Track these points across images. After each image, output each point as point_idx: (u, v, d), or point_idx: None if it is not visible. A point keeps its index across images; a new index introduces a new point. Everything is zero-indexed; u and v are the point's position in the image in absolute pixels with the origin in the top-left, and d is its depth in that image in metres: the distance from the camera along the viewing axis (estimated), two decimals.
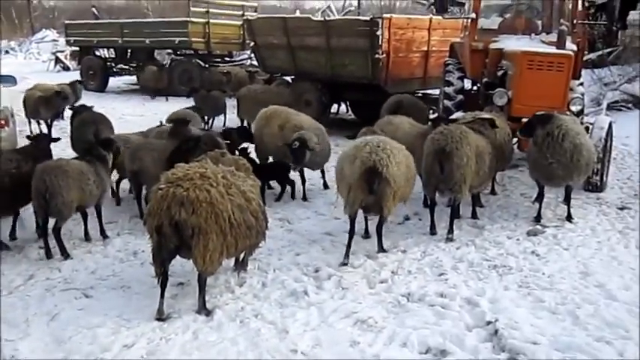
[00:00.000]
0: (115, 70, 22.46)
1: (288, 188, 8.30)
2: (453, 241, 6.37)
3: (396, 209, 6.37)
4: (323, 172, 8.59)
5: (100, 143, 6.61)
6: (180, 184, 4.34)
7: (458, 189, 6.34)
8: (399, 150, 6.14)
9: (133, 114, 16.22)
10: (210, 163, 4.84)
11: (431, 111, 12.72)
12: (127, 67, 22.39)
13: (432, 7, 16.47)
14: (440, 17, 11.78)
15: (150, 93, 19.22)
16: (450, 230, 6.52)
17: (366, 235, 6.55)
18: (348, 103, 15.55)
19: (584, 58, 10.86)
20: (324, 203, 8.04)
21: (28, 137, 7.00)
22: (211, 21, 19.98)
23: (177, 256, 4.61)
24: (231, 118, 14.35)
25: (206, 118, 13.25)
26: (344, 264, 5.84)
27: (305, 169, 8.18)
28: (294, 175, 8.13)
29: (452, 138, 6.27)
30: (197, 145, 6.59)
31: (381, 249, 6.14)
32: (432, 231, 6.63)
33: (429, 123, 7.77)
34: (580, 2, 9.12)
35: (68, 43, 23.98)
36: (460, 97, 10.08)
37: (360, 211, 6.07)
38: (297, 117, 8.46)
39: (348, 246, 6.03)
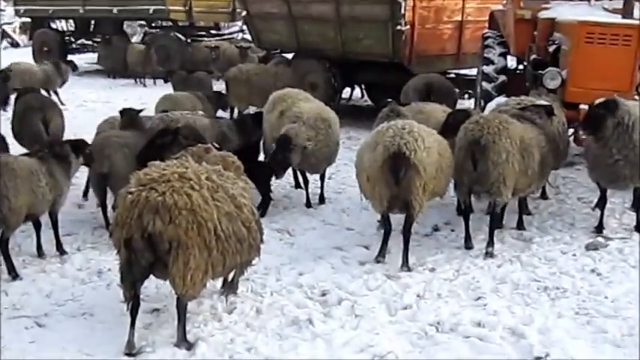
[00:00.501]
0: (74, 46, 22.26)
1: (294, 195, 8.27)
2: (494, 257, 6.30)
3: (426, 207, 6.29)
4: (322, 177, 8.26)
5: (71, 144, 6.51)
6: (155, 187, 4.33)
7: (496, 191, 6.29)
8: (429, 134, 6.25)
9: (97, 100, 16.07)
10: (192, 161, 4.83)
11: (466, 95, 12.65)
12: (89, 42, 22.10)
13: None
14: None
15: (119, 74, 18.99)
16: (490, 243, 6.46)
17: (384, 247, 6.35)
18: (363, 87, 15.30)
19: None
20: (332, 210, 8.01)
21: None
22: None
23: (152, 276, 4.57)
24: None
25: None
26: (378, 261, 6.21)
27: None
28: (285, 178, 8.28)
29: (488, 128, 6.22)
30: (175, 138, 6.50)
31: (405, 266, 6.11)
32: (468, 244, 6.61)
33: (445, 118, 7.45)
34: None
35: (17, 13, 23.77)
36: (502, 78, 9.96)
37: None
38: (304, 103, 8.30)
39: (384, 242, 6.32)
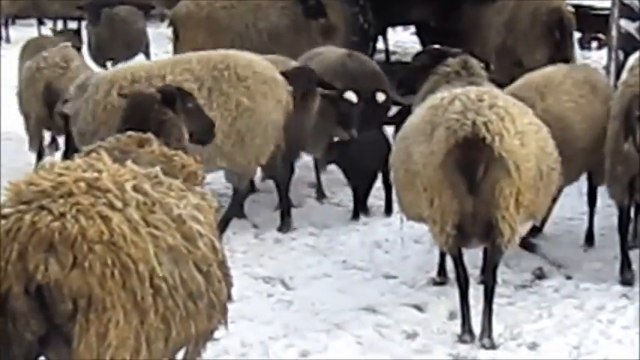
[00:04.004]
0: None
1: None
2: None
3: (518, 234, 6.13)
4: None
5: None
6: (47, 206, 4.09)
7: None
8: (522, 111, 6.12)
9: None
10: (108, 160, 4.59)
11: (594, 44, 12.30)
12: None
13: None
14: None
15: None
16: None
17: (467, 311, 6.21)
18: (414, 30, 15.39)
19: None
20: (359, 244, 7.89)
21: None
22: None
23: None
24: None
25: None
26: (463, 338, 6.14)
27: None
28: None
29: None
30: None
31: (487, 338, 6.04)
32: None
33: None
34: None
35: None
36: None
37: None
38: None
39: (464, 302, 6.20)
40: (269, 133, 8.18)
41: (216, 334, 4.98)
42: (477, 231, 5.93)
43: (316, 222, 8.46)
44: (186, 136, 6.32)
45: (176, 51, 12.71)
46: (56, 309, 4.08)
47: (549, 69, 8.14)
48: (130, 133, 5.56)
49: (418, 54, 8.18)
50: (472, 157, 5.61)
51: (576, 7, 12.85)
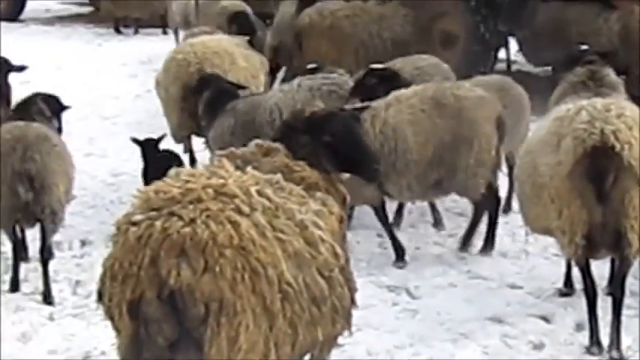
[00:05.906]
0: None
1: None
2: None
3: None
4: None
5: None
6: (177, 212, 4.15)
7: None
8: None
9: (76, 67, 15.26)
10: (229, 166, 4.67)
11: None
12: None
13: None
14: None
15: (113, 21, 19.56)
16: None
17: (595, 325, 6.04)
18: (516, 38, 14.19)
19: None
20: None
21: None
22: None
23: None
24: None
25: None
26: (591, 352, 5.99)
27: None
28: None
29: None
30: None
31: (615, 350, 5.91)
32: None
33: None
34: None
35: None
36: None
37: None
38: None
39: (593, 315, 6.00)
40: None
41: (342, 342, 5.02)
42: (605, 241, 5.77)
43: (441, 232, 8.43)
44: (326, 163, 5.96)
45: (298, 60, 12.59)
46: (188, 313, 4.12)
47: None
48: (258, 141, 5.46)
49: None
50: (601, 166, 5.51)
51: None
